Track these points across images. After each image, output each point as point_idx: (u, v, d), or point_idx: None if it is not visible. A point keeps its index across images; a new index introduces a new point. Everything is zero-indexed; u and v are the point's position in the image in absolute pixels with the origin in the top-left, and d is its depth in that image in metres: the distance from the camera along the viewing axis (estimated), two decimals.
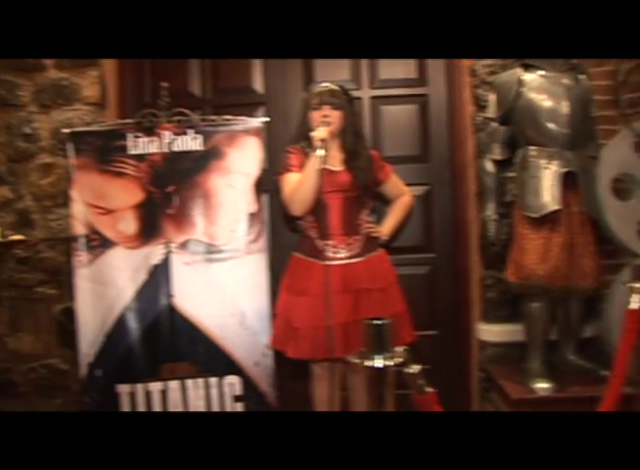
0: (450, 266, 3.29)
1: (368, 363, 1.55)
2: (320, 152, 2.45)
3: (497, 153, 2.91)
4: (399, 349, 1.59)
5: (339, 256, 2.62)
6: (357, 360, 1.57)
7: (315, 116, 2.63)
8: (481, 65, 3.08)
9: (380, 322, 1.55)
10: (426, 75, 3.32)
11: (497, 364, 3.03)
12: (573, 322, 2.83)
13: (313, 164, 2.49)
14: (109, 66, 3.28)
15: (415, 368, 1.61)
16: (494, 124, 2.90)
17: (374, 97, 3.34)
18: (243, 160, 2.88)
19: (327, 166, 2.57)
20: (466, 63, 3.12)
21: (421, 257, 3.31)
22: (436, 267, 3.32)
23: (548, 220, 2.64)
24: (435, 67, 3.30)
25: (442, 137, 3.30)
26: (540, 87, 2.73)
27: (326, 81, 2.75)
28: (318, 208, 2.58)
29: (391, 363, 1.54)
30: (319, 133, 2.51)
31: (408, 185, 3.02)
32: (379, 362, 1.54)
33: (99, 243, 2.88)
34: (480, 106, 3.06)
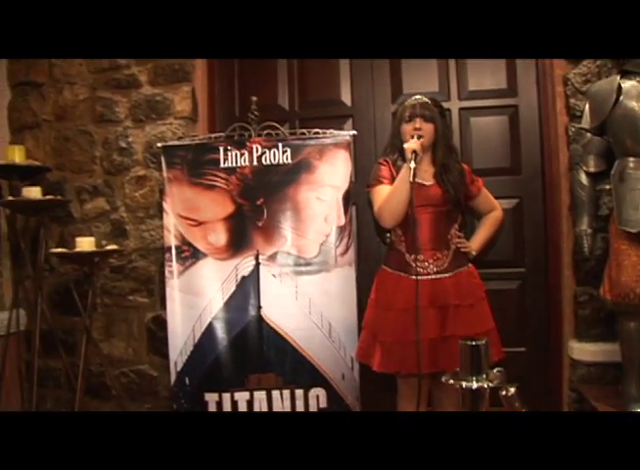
0: (541, 282, 3.22)
1: (463, 384, 1.53)
2: (412, 164, 2.45)
3: (592, 165, 2.82)
4: (495, 370, 1.56)
5: (427, 270, 2.62)
6: (452, 381, 1.55)
7: (407, 128, 2.65)
8: (575, 73, 3.01)
9: (476, 343, 1.53)
10: (516, 86, 3.28)
11: (590, 385, 2.92)
12: None
13: (405, 176, 2.49)
14: (200, 81, 3.39)
15: (511, 390, 1.56)
16: (589, 135, 2.82)
17: (463, 108, 3.33)
18: (332, 173, 2.93)
19: (418, 180, 2.57)
20: (558, 72, 3.06)
21: (511, 271, 3.26)
22: (527, 282, 3.25)
23: None
24: (526, 76, 3.25)
25: (533, 149, 3.24)
26: None
27: (417, 94, 2.78)
28: (408, 222, 2.57)
29: (487, 385, 1.51)
30: (411, 145, 2.52)
31: (498, 198, 2.99)
32: (474, 383, 1.52)
33: (190, 254, 2.97)
34: (574, 116, 2.99)
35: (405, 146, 2.55)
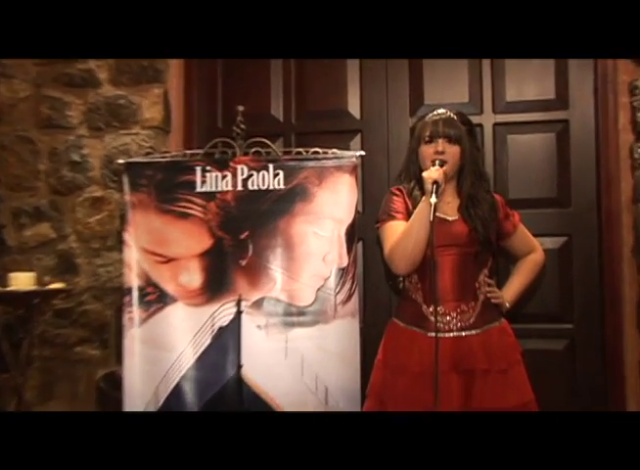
0: (595, 341, 3.32)
1: None
2: (433, 198, 2.51)
3: None
4: None
5: (449, 326, 2.71)
6: None
7: (427, 151, 2.74)
8: None
9: None
10: (567, 95, 3.42)
11: None
12: None
13: (423, 212, 2.56)
14: (174, 82, 3.57)
15: None
16: None
17: (499, 124, 3.47)
18: (333, 202, 3.03)
19: (439, 215, 2.65)
20: (624, 77, 3.20)
21: (556, 327, 3.38)
22: (576, 342, 3.36)
23: None
24: (581, 83, 3.39)
25: (588, 175, 3.37)
26: None
27: (441, 106, 2.88)
28: (426, 265, 2.65)
29: None
30: (432, 174, 2.59)
31: (542, 236, 3.12)
32: None
33: (155, 297, 3.07)
34: None
35: (424, 175, 2.62)
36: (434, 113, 2.81)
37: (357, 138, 3.57)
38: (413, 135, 2.87)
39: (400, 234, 2.69)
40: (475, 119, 3.30)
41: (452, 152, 2.73)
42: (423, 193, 2.65)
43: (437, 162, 2.67)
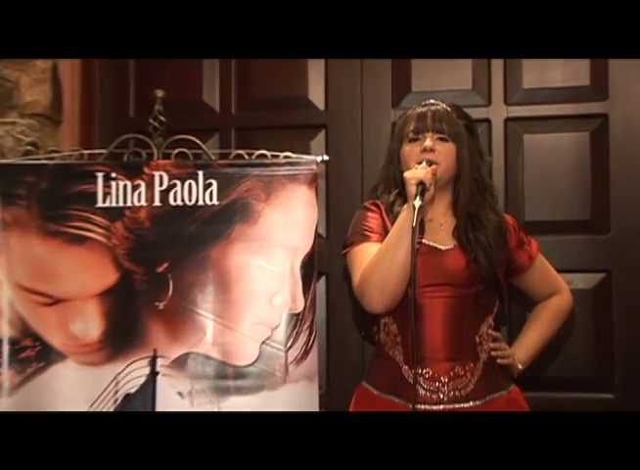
0: None
1: None
2: (417, 201, 2.51)
3: None
4: None
5: (439, 396, 2.68)
6: None
7: (411, 150, 2.74)
8: None
9: None
10: (606, 82, 3.39)
11: None
12: None
13: (404, 222, 2.56)
14: None
15: None
16: None
17: (512, 119, 3.45)
18: (286, 224, 3.00)
19: (428, 241, 2.71)
20: None
21: (590, 398, 3.30)
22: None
23: None
24: (623, 68, 3.35)
25: (633, 189, 3.33)
26: None
27: (433, 96, 2.88)
28: (408, 310, 2.57)
29: None
30: (416, 173, 2.59)
31: (570, 271, 3.13)
32: None
33: (34, 354, 2.97)
34: None
35: (406, 175, 2.61)
36: (422, 104, 2.82)
37: (320, 136, 3.56)
38: (393, 134, 2.91)
39: (375, 256, 2.67)
40: (480, 113, 3.38)
41: (445, 151, 2.72)
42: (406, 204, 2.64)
43: (425, 161, 2.66)
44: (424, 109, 2.76)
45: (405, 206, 2.59)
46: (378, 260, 2.64)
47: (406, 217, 2.54)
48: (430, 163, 2.64)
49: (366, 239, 2.74)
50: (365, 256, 2.71)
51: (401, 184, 2.68)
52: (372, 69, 3.50)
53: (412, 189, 2.54)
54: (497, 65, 3.44)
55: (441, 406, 2.64)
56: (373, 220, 2.78)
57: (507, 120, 3.44)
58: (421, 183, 2.53)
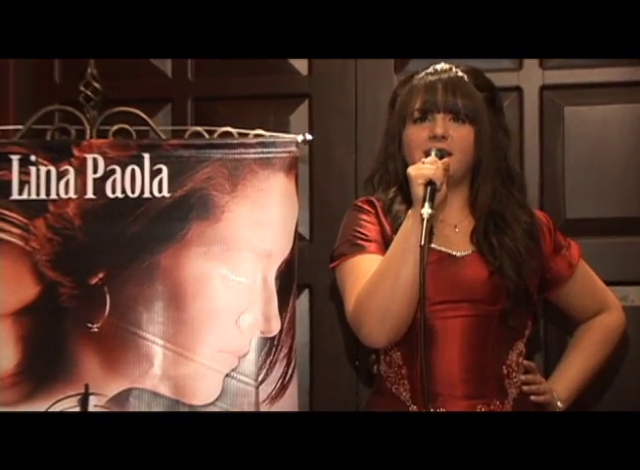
0: None
1: None
2: (426, 209, 2.42)
3: None
4: None
5: None
6: None
7: (417, 134, 2.71)
8: None
9: None
10: None
11: None
12: None
13: (409, 234, 2.51)
14: None
15: None
16: None
17: (549, 87, 3.49)
18: (256, 222, 3.04)
19: (437, 247, 2.67)
20: None
21: None
22: None
23: None
24: None
25: None
26: None
27: (443, 60, 2.82)
28: (416, 335, 2.55)
29: None
30: (423, 169, 2.52)
31: (623, 284, 3.21)
32: None
33: None
34: None
35: (411, 172, 2.52)
36: (430, 70, 2.79)
37: (302, 108, 3.59)
38: (393, 109, 2.84)
39: (373, 276, 2.62)
40: (509, 79, 3.45)
41: (461, 136, 2.69)
42: (409, 207, 2.60)
43: (434, 151, 2.61)
44: (433, 78, 2.70)
45: (410, 211, 2.53)
46: (377, 282, 2.58)
47: (411, 229, 2.50)
48: (441, 153, 2.58)
49: (360, 250, 2.70)
50: (360, 272, 2.65)
51: (404, 177, 2.60)
52: None
53: (419, 190, 2.46)
54: None
55: None
56: (368, 225, 2.73)
57: (543, 88, 3.43)
58: (430, 183, 2.46)
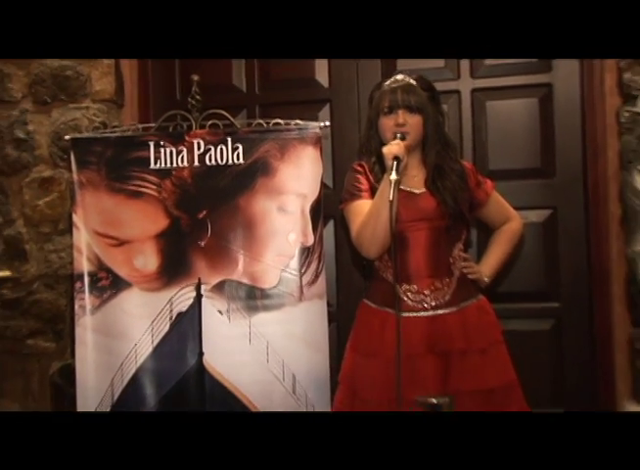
0: (583, 321, 3.40)
1: None
2: (393, 175, 2.52)
3: None
4: None
5: (423, 305, 2.76)
6: None
7: (387, 123, 2.78)
8: None
9: (436, 401, 1.68)
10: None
11: None
12: None
13: (384, 191, 2.58)
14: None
15: None
16: None
17: (477, 90, 3.53)
18: (297, 176, 3.11)
19: (405, 188, 2.74)
20: None
21: (542, 306, 3.45)
22: (563, 321, 3.43)
23: None
24: None
25: (572, 142, 3.43)
26: None
27: (404, 72, 2.88)
28: (395, 242, 2.66)
29: None
30: (392, 148, 2.61)
31: (525, 208, 3.20)
32: None
33: (108, 283, 3.13)
34: (629, 96, 3.17)
35: (384, 150, 2.63)
36: (392, 79, 2.84)
37: (326, 108, 3.63)
38: (371, 105, 2.90)
39: (365, 216, 2.74)
40: (451, 85, 3.52)
41: (414, 122, 2.76)
42: (384, 169, 2.67)
43: (398, 135, 2.70)
44: (395, 85, 2.78)
45: (385, 175, 2.62)
46: (368, 219, 2.69)
47: (385, 188, 2.56)
48: (402, 136, 2.68)
49: (357, 197, 2.80)
50: (358, 212, 2.77)
51: (379, 151, 2.70)
52: None
53: (389, 163, 2.56)
54: None
55: (426, 313, 2.73)
56: (361, 179, 2.83)
57: (473, 91, 3.52)
58: (396, 158, 2.55)
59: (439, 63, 3.51)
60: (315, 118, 3.40)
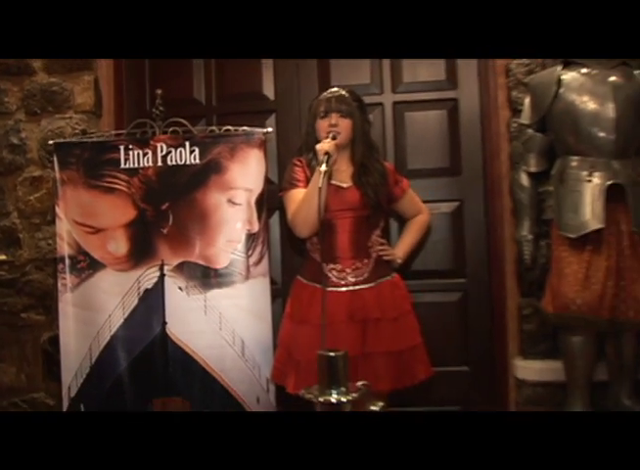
0: (483, 293, 3.60)
1: (321, 399, 1.68)
2: (323, 167, 2.60)
3: (533, 164, 3.17)
4: (360, 384, 1.76)
5: (345, 281, 2.87)
6: (309, 395, 1.72)
7: (322, 125, 2.91)
8: (518, 63, 3.40)
9: (333, 354, 1.72)
10: (455, 77, 3.66)
11: (537, 407, 3.25)
12: (627, 360, 2.95)
13: (316, 180, 2.67)
14: (104, 70, 3.76)
15: (378, 405, 1.77)
16: (530, 131, 3.17)
17: (397, 102, 3.67)
18: (244, 174, 3.24)
19: (335, 182, 2.87)
20: (500, 61, 3.47)
21: (450, 282, 3.61)
22: (468, 294, 3.63)
23: (589, 241, 2.83)
24: (466, 67, 3.65)
25: (474, 146, 3.61)
26: (582, 87, 2.92)
27: (338, 86, 3.03)
28: (324, 228, 2.80)
29: (346, 399, 1.68)
30: (323, 146, 2.74)
31: (437, 201, 3.45)
32: (332, 398, 1.68)
33: (86, 265, 3.28)
34: (516, 110, 3.37)
35: (317, 147, 2.77)
36: (328, 91, 3.00)
37: (272, 117, 3.75)
38: (310, 112, 3.03)
39: (299, 201, 2.86)
40: (376, 99, 3.65)
41: (344, 125, 2.90)
42: (317, 164, 2.77)
43: (331, 134, 2.83)
44: (330, 95, 2.93)
45: (317, 168, 2.67)
46: (301, 206, 2.81)
47: (317, 178, 2.64)
48: (334, 135, 2.81)
49: (294, 186, 2.91)
50: (294, 199, 2.89)
51: (315, 149, 2.79)
52: (304, 69, 3.69)
53: (321, 157, 2.67)
54: (386, 66, 3.64)
55: (348, 288, 2.82)
56: (299, 172, 2.93)
57: (394, 103, 3.63)
58: (327, 153, 2.66)
59: (367, 79, 3.67)
60: (263, 126, 3.50)
